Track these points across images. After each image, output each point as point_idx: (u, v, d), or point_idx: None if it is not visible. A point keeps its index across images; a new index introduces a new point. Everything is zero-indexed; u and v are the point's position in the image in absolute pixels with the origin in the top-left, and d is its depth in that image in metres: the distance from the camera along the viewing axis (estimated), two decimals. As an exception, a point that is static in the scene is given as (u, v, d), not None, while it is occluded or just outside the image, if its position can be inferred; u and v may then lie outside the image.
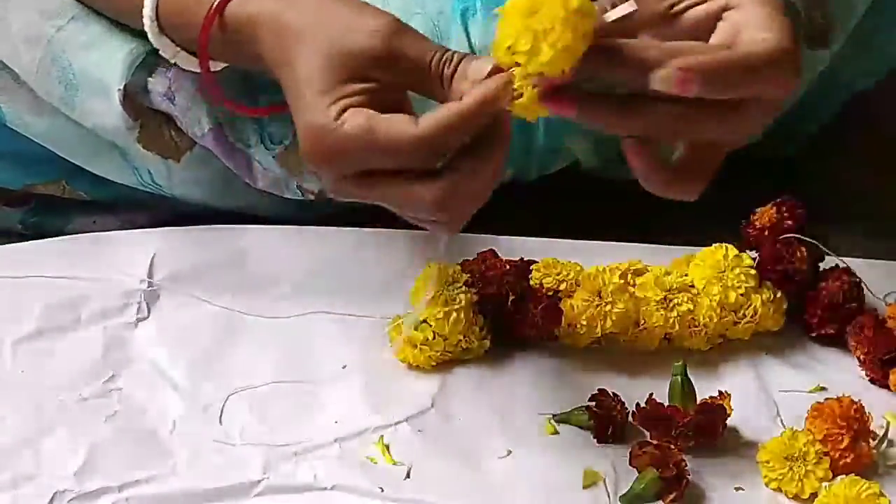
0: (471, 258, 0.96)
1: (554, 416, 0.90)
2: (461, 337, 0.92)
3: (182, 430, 0.88)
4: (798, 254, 0.96)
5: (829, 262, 0.98)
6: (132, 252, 1.00)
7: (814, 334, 0.97)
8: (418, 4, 0.99)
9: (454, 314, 0.92)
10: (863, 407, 0.87)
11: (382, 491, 0.85)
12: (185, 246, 1.00)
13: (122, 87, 0.96)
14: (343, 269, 0.99)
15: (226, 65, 0.91)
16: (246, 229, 1.03)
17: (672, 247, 1.01)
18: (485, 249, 0.96)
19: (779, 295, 0.96)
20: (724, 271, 0.95)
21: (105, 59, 0.96)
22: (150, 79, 0.96)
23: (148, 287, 0.98)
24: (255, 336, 0.95)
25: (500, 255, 0.96)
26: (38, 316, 0.95)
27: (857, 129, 1.17)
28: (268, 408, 0.90)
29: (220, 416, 0.89)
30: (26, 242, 1.01)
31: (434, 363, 0.93)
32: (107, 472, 0.85)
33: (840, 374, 0.95)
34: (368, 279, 0.99)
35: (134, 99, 0.97)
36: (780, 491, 0.86)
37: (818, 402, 0.88)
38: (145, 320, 0.96)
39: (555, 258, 0.97)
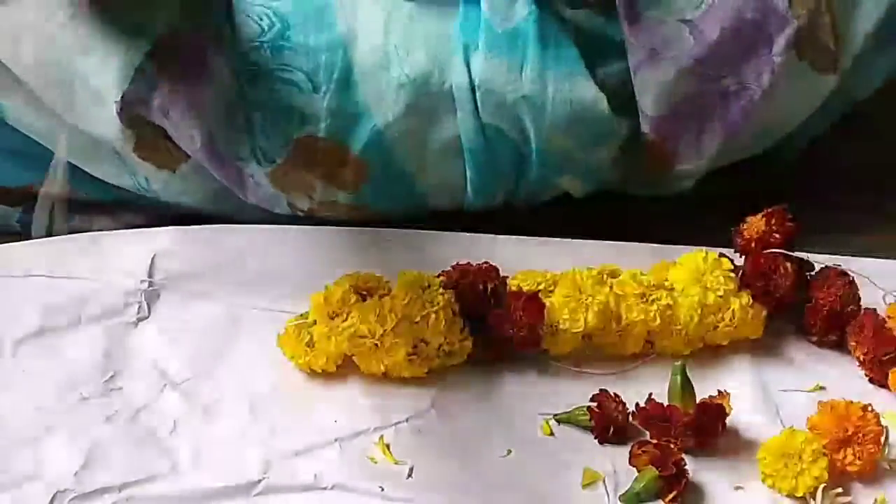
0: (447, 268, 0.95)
1: (554, 416, 0.90)
2: (443, 339, 0.91)
3: (182, 430, 0.88)
4: (781, 269, 0.95)
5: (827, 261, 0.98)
6: (132, 252, 1.00)
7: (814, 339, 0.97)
8: (420, 37, 0.99)
9: (433, 316, 0.91)
10: (870, 410, 0.87)
11: (383, 490, 0.85)
12: (185, 246, 1.00)
13: (118, 99, 0.96)
14: (343, 269, 0.99)
15: None
16: (246, 229, 1.03)
17: (665, 246, 1.01)
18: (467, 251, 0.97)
19: (756, 303, 0.96)
20: (704, 274, 0.94)
21: (102, 67, 0.96)
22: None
23: (148, 287, 0.98)
24: (255, 336, 0.95)
25: (488, 256, 0.95)
26: (38, 316, 0.95)
27: (855, 137, 1.17)
28: (268, 407, 0.90)
29: (220, 415, 0.89)
30: (26, 242, 1.01)
31: (425, 371, 0.92)
32: (107, 472, 0.85)
33: (840, 374, 0.95)
34: (368, 279, 0.99)
35: (130, 109, 0.97)
36: (775, 488, 0.86)
37: (823, 402, 0.88)
38: (145, 320, 0.96)
39: (531, 270, 0.96)
